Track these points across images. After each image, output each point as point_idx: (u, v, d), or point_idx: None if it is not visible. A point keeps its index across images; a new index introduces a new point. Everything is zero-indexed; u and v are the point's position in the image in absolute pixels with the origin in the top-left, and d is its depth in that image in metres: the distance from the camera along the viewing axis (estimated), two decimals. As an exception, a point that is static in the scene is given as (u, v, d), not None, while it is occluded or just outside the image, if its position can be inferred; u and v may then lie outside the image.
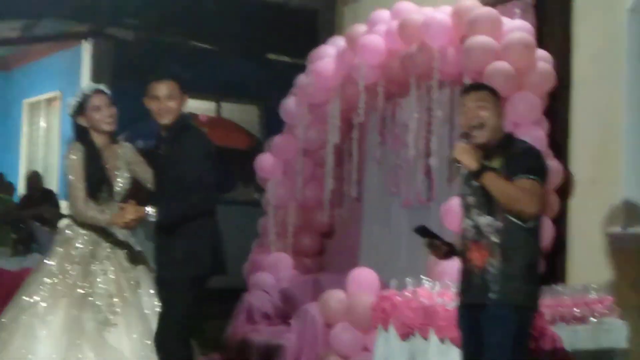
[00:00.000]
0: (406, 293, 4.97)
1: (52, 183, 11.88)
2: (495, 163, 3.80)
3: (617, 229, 5.30)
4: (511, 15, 5.86)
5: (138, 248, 4.97)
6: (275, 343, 6.14)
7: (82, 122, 4.84)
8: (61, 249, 4.79)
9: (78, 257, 4.75)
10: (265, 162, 7.28)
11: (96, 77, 11.15)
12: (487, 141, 3.81)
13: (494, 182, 3.72)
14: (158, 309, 4.71)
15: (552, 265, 5.43)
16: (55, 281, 4.70)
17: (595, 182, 5.48)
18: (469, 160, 3.78)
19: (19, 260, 7.62)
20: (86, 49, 11.93)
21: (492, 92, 3.92)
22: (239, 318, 6.67)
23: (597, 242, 5.37)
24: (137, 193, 4.75)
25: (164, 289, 4.62)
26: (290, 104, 7.19)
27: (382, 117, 6.80)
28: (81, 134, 4.85)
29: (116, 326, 4.65)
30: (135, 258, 4.90)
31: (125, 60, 11.20)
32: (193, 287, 4.47)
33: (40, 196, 10.36)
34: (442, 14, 5.97)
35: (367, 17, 6.73)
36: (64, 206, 9.19)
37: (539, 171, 3.75)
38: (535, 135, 5.24)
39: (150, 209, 4.40)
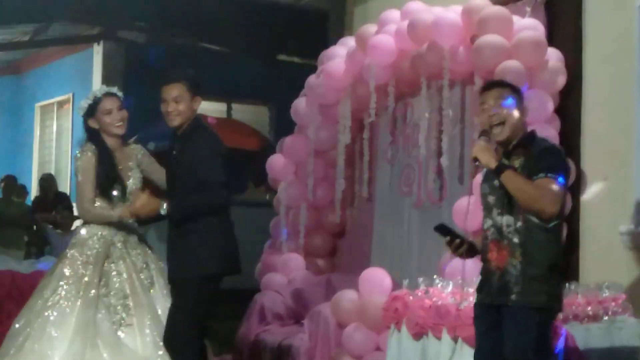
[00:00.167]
0: (418, 293, 4.97)
1: (64, 185, 11.95)
2: (516, 161, 3.76)
3: (629, 227, 5.28)
4: (522, 14, 5.85)
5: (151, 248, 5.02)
6: (287, 343, 6.14)
7: (93, 124, 4.87)
8: (75, 251, 4.82)
9: (92, 258, 4.78)
10: (276, 163, 7.28)
11: (107, 79, 11.21)
12: (507, 138, 3.79)
13: (512, 181, 3.68)
14: (171, 309, 4.74)
15: (565, 264, 5.41)
16: (70, 282, 4.72)
17: (607, 180, 5.46)
18: (487, 159, 3.75)
19: (32, 262, 7.65)
20: (97, 52, 12.01)
21: (513, 89, 3.89)
22: (251, 318, 6.68)
23: (609, 240, 5.36)
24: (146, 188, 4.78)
25: (175, 288, 4.64)
26: (300, 105, 7.19)
27: (393, 117, 6.79)
28: (92, 136, 4.88)
29: (131, 326, 4.68)
30: (153, 257, 4.93)
31: (136, 62, 11.25)
32: (203, 287, 4.48)
33: (54, 198, 10.41)
34: (453, 13, 5.96)
35: (377, 18, 6.73)
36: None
37: (559, 170, 3.69)
38: (547, 133, 5.20)
39: (164, 203, 4.44)
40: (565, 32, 5.76)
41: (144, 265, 4.89)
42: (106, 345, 4.58)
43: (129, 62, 11.63)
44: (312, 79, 7.07)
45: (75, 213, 9.25)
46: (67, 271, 4.76)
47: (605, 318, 4.64)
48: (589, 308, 4.64)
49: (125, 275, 4.79)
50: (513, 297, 3.69)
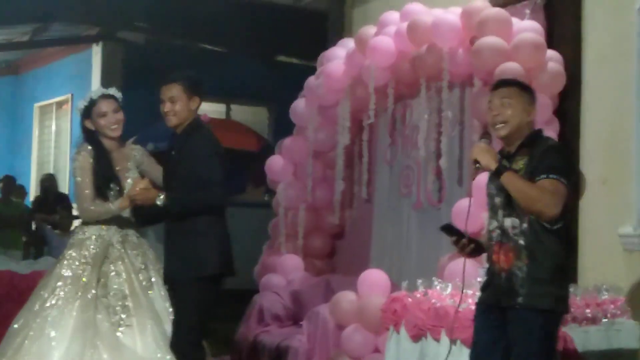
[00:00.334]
0: (417, 294, 4.97)
1: (63, 186, 11.94)
2: (521, 161, 3.74)
3: (628, 229, 5.28)
4: (521, 16, 5.85)
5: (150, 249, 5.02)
6: (286, 345, 6.14)
7: (89, 125, 4.87)
8: (73, 251, 4.81)
9: (90, 259, 4.77)
10: (275, 164, 7.28)
11: (106, 80, 11.20)
12: (507, 135, 3.77)
13: (512, 182, 3.66)
14: (170, 310, 4.74)
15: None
16: (68, 283, 4.72)
17: (606, 182, 5.46)
18: (487, 160, 3.74)
19: (30, 263, 7.65)
20: (96, 53, 12.00)
21: (522, 88, 3.85)
22: (250, 319, 6.68)
23: (608, 242, 5.36)
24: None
25: (174, 292, 4.64)
26: (300, 106, 7.20)
27: (392, 118, 6.80)
28: (89, 136, 4.88)
29: (130, 327, 4.67)
30: (151, 258, 4.94)
31: (136, 63, 11.24)
32: (204, 288, 4.48)
33: (54, 199, 10.41)
34: (452, 15, 5.97)
35: (376, 19, 6.73)
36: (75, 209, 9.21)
37: (562, 170, 3.64)
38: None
39: (160, 194, 4.45)
40: (564, 34, 5.77)
41: (143, 266, 4.89)
42: (105, 346, 4.57)
43: (128, 63, 11.63)
44: (311, 80, 7.08)
45: (75, 213, 9.25)
46: (65, 272, 4.75)
47: (604, 320, 4.64)
48: (588, 310, 4.63)
49: (124, 276, 4.78)
50: (519, 299, 3.67)
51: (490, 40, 5.59)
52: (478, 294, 4.07)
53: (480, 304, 3.90)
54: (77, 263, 4.76)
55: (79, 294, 4.68)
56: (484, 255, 4.06)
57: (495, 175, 3.74)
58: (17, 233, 10.17)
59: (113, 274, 4.78)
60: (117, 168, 4.88)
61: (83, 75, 12.22)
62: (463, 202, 5.27)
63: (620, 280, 5.07)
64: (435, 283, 4.97)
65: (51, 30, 11.80)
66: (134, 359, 4.60)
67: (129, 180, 4.87)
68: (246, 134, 11.70)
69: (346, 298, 5.80)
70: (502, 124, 3.77)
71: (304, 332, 6.09)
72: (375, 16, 6.89)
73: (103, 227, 4.82)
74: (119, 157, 4.91)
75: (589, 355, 4.42)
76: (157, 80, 4.72)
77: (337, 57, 6.91)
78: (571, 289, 4.71)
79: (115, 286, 4.75)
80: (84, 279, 4.72)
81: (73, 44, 12.38)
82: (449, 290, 4.81)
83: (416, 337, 4.77)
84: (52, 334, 4.59)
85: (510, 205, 3.72)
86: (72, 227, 9.26)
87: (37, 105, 13.90)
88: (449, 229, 3.94)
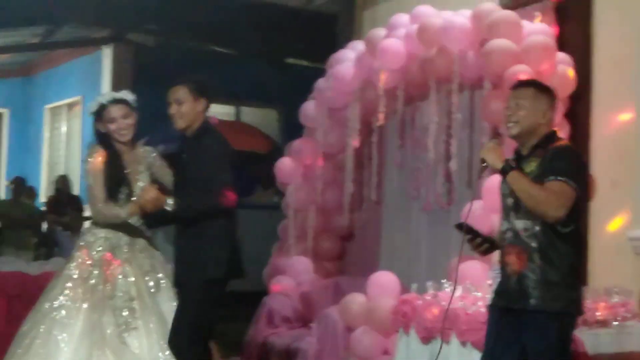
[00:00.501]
0: (427, 297, 4.97)
1: (74, 187, 11.96)
2: (534, 163, 3.73)
3: (638, 232, 5.27)
4: (531, 18, 5.85)
5: (158, 251, 5.02)
6: (295, 347, 6.15)
7: (101, 128, 4.88)
8: (82, 253, 4.82)
9: (99, 261, 4.78)
10: (284, 166, 7.29)
11: (116, 82, 11.24)
12: (517, 134, 3.77)
13: (517, 182, 3.67)
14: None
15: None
16: (76, 285, 4.72)
17: (616, 184, 5.45)
18: (494, 159, 3.75)
19: (41, 264, 7.67)
20: (107, 54, 12.02)
21: (540, 90, 3.83)
22: (260, 321, 6.69)
23: (618, 245, 5.35)
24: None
25: (180, 291, 4.66)
26: (309, 108, 7.21)
27: (401, 120, 6.80)
28: (101, 138, 4.89)
29: (136, 329, 4.67)
30: (160, 261, 4.94)
31: (146, 65, 11.27)
32: (208, 290, 4.49)
33: (67, 200, 10.44)
34: (462, 17, 5.96)
35: (386, 22, 6.74)
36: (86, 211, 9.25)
37: (571, 173, 3.62)
38: (556, 138, 5.22)
39: (169, 199, 4.46)
40: (574, 37, 5.75)
41: (151, 269, 4.89)
42: (112, 350, 4.57)
43: (138, 65, 11.65)
44: (321, 83, 7.09)
45: (85, 214, 9.28)
46: (73, 274, 4.76)
47: (615, 323, 4.63)
48: (598, 313, 4.63)
49: (131, 278, 4.78)
50: (532, 302, 3.65)
51: (500, 42, 5.59)
52: (488, 296, 4.07)
53: (492, 307, 3.89)
54: (85, 265, 4.77)
55: (87, 295, 4.69)
56: (495, 258, 4.06)
57: (501, 174, 3.75)
58: (27, 234, 10.20)
59: (120, 275, 4.78)
60: (127, 170, 4.89)
61: (93, 77, 12.25)
62: (474, 205, 5.27)
63: (631, 283, 5.05)
64: (445, 285, 4.97)
65: (62, 32, 11.84)
66: None
67: (139, 183, 4.88)
68: (256, 136, 11.72)
69: (356, 300, 5.80)
70: (513, 124, 3.78)
71: (314, 334, 6.10)
72: (385, 18, 6.89)
73: (111, 229, 4.83)
74: (130, 160, 4.92)
75: (600, 358, 4.41)
76: (167, 83, 4.74)
77: (347, 59, 6.92)
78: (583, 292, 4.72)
79: (122, 288, 4.75)
80: (91, 281, 4.73)
81: (84, 45, 12.42)
82: (459, 292, 4.81)
83: (426, 340, 4.77)
84: (60, 336, 4.59)
85: (521, 207, 3.71)
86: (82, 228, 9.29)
87: (47, 106, 13.94)
88: (463, 228, 3.94)
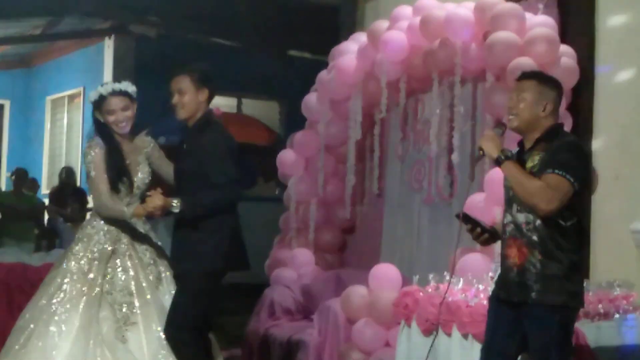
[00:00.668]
0: (428, 289, 4.96)
1: (77, 180, 11.95)
2: (537, 156, 3.71)
3: (641, 225, 5.27)
4: (534, 11, 5.83)
5: (159, 243, 4.99)
6: (296, 338, 6.14)
7: (100, 117, 4.85)
8: (81, 246, 4.79)
9: (98, 254, 4.75)
10: (286, 158, 7.28)
11: (118, 73, 11.22)
12: (517, 126, 3.76)
13: (511, 172, 3.67)
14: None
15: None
16: (75, 279, 4.68)
17: (618, 177, 5.45)
18: (490, 148, 3.75)
19: (42, 255, 7.67)
20: (108, 46, 12.02)
21: (543, 82, 3.80)
22: (261, 313, 6.68)
23: (620, 238, 5.34)
24: (158, 187, 4.76)
25: (178, 281, 4.66)
26: (311, 100, 7.19)
27: (404, 113, 6.79)
28: (101, 129, 4.85)
29: (135, 324, 4.65)
30: (160, 253, 4.92)
31: (147, 56, 11.26)
32: (205, 282, 4.49)
33: (71, 193, 10.43)
34: (465, 9, 5.95)
35: (388, 13, 6.72)
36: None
37: (570, 167, 3.59)
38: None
39: (174, 201, 4.44)
40: (577, 29, 5.74)
41: (152, 261, 4.86)
42: (110, 345, 4.55)
43: (140, 56, 11.64)
44: (323, 75, 7.07)
45: (87, 206, 9.27)
46: (72, 267, 4.72)
47: (617, 316, 4.62)
48: (600, 306, 4.63)
49: (131, 272, 4.74)
50: (533, 295, 3.65)
51: (503, 35, 5.57)
52: (490, 288, 4.06)
53: (492, 299, 3.89)
54: (84, 259, 4.73)
55: (85, 290, 4.65)
56: (497, 251, 4.06)
57: (495, 163, 3.75)
58: (29, 225, 10.20)
59: (120, 269, 4.74)
60: (127, 162, 4.86)
61: (95, 69, 12.24)
62: (476, 197, 5.27)
63: (633, 276, 5.05)
64: (447, 278, 4.96)
65: (63, 23, 11.83)
66: (139, 357, 4.58)
67: (139, 175, 4.86)
68: (257, 128, 11.70)
69: (357, 292, 5.80)
70: (514, 116, 3.78)
71: (315, 326, 6.09)
72: (387, 10, 6.87)
73: (111, 223, 4.80)
74: (129, 150, 4.88)
75: (601, 351, 4.40)
76: (169, 74, 4.73)
77: (349, 51, 6.90)
78: (583, 285, 4.72)
79: (121, 282, 4.71)
80: (90, 275, 4.69)
81: (85, 37, 12.40)
82: (460, 284, 4.81)
83: (427, 332, 4.77)
84: (58, 330, 4.56)
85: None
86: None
87: (49, 98, 13.93)
88: (464, 218, 3.94)
